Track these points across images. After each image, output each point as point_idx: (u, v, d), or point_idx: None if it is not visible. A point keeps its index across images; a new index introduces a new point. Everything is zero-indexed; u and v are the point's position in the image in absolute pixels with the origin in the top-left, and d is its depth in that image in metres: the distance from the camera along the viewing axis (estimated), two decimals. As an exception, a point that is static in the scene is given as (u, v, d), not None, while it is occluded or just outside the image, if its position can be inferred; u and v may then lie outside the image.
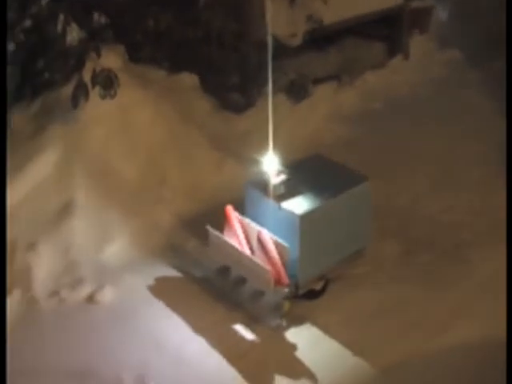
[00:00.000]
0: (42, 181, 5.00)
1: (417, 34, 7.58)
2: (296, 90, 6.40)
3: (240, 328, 4.24)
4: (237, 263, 4.37)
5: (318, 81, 6.72)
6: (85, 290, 4.52)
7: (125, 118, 5.38)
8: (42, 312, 4.44)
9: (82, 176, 5.07)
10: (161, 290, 4.57)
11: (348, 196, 4.39)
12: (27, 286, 4.55)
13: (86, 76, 4.99)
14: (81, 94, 5.00)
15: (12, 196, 4.89)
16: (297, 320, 4.27)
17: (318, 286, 4.42)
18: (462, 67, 7.40)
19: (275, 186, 4.24)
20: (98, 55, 5.10)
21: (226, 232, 4.45)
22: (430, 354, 4.00)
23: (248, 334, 4.20)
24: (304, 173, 4.49)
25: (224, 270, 4.47)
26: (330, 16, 6.72)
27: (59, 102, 5.30)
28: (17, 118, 5.34)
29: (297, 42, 6.48)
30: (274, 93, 6.29)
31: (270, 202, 4.27)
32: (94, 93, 5.02)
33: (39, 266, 4.63)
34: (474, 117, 6.37)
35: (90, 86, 4.98)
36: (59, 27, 4.89)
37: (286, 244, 4.13)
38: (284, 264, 4.15)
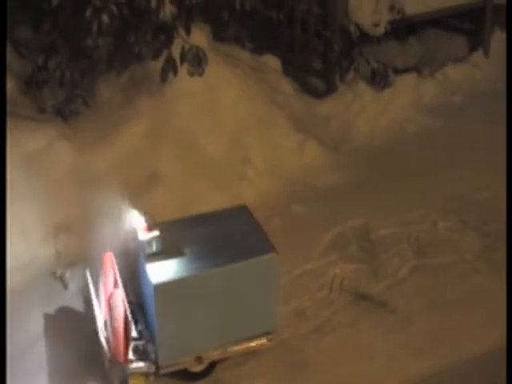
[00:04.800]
0: (128, 150, 5.08)
1: (498, 31, 7.49)
2: (378, 79, 6.39)
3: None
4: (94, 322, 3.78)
5: (397, 71, 6.70)
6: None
7: (211, 95, 5.44)
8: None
9: (167, 149, 5.14)
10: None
11: (242, 268, 3.56)
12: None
13: (175, 52, 5.05)
14: (170, 69, 5.05)
15: (98, 164, 5.01)
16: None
17: (198, 368, 3.72)
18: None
19: (143, 244, 3.56)
20: (188, 33, 5.15)
21: (101, 281, 3.86)
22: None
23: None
24: (206, 229, 3.75)
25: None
26: (413, 7, 6.70)
27: (147, 75, 5.38)
28: (105, 89, 5.47)
29: (380, 31, 6.47)
30: (357, 80, 6.38)
31: (143, 260, 3.59)
32: (182, 69, 5.08)
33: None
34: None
35: (178, 62, 5.04)
36: (153, 2, 4.93)
37: (129, 317, 3.41)
38: (128, 337, 3.43)
